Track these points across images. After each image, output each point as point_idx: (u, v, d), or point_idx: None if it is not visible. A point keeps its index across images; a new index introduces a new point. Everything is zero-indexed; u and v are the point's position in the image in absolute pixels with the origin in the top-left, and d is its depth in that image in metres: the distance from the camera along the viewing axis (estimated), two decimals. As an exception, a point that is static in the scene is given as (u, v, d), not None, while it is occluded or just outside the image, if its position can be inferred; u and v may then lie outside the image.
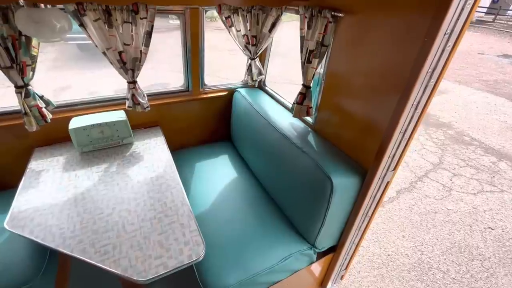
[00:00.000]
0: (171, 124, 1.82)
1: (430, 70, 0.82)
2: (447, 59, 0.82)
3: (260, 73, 1.79)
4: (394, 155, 1.03)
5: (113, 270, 0.89)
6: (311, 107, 1.37)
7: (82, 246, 0.96)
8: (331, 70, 1.27)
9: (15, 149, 1.45)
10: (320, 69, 1.33)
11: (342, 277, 1.64)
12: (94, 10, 1.11)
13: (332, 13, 1.11)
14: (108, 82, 4.75)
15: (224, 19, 1.47)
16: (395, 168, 1.08)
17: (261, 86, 1.99)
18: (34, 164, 1.34)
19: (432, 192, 2.68)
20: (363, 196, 1.13)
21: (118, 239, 0.99)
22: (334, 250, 1.41)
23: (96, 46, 1.22)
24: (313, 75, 1.29)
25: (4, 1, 0.99)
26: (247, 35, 1.58)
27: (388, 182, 1.13)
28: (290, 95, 1.65)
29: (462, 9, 0.73)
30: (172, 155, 1.47)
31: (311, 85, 1.33)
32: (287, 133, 1.39)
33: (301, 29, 1.27)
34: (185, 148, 1.95)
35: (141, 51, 1.31)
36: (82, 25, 1.13)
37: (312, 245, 1.32)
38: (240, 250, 1.24)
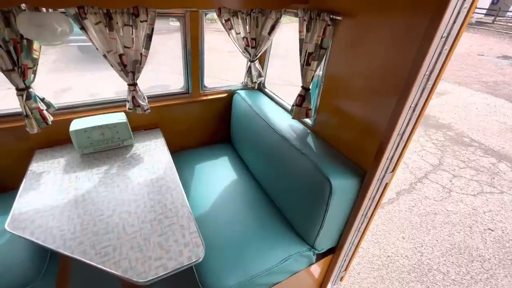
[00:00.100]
0: (171, 126, 1.83)
1: (427, 72, 0.83)
2: (444, 62, 0.83)
3: (259, 75, 1.80)
4: (393, 156, 1.03)
5: (113, 272, 0.89)
6: (310, 109, 1.38)
7: (82, 248, 0.96)
8: (330, 73, 1.28)
9: (16, 151, 1.46)
10: (319, 72, 1.34)
11: (341, 279, 1.64)
12: (95, 13, 1.12)
13: (331, 16, 1.12)
14: (109, 84, 4.76)
15: (223, 21, 1.49)
16: (393, 170, 1.09)
17: (261, 88, 2.00)
18: (35, 166, 1.35)
19: (432, 193, 2.68)
20: (362, 198, 1.14)
21: (118, 241, 1.00)
22: (334, 251, 1.42)
23: (97, 49, 1.23)
24: (312, 77, 1.30)
25: (6, 5, 1.00)
26: (246, 38, 1.59)
27: (387, 184, 1.13)
28: (289, 97, 1.66)
29: (459, 12, 0.74)
30: (172, 157, 1.48)
31: (310, 87, 1.34)
32: (287, 135, 1.39)
33: (300, 31, 1.28)
34: (185, 150, 1.96)
35: (141, 53, 1.32)
36: (83, 28, 1.14)
37: (311, 246, 1.32)
38: (240, 251, 1.25)
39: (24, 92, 1.21)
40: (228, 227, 1.37)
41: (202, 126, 2.00)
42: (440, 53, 0.80)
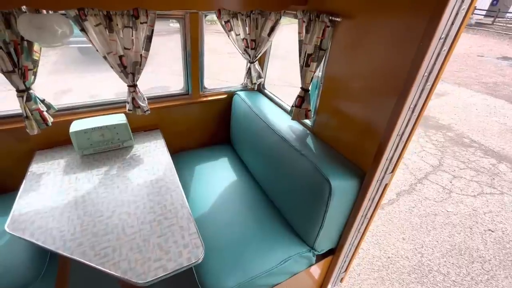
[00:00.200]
0: (171, 127, 1.84)
1: (426, 73, 0.83)
2: (443, 63, 0.83)
3: (259, 76, 1.81)
4: (392, 157, 1.03)
5: (112, 273, 0.89)
6: (310, 110, 1.38)
7: (82, 249, 0.96)
8: (329, 74, 1.28)
9: (17, 152, 1.46)
10: (319, 73, 1.34)
11: (341, 280, 1.64)
12: (95, 15, 1.13)
13: (330, 17, 1.12)
14: (109, 85, 4.77)
15: (223, 23, 1.49)
16: (393, 171, 1.09)
17: (261, 89, 2.00)
18: (35, 167, 1.35)
19: (432, 194, 2.68)
20: (361, 199, 1.14)
21: (118, 242, 1.00)
22: (333, 252, 1.41)
23: (97, 50, 1.24)
24: (312, 78, 1.30)
25: (7, 7, 1.01)
26: (246, 39, 1.60)
27: (386, 185, 1.13)
28: (289, 98, 1.66)
29: (457, 13, 0.75)
30: (172, 158, 1.48)
31: (309, 88, 1.34)
32: (286, 136, 1.40)
33: (299, 33, 1.29)
34: (185, 151, 1.96)
35: (141, 55, 1.32)
36: (83, 30, 1.14)
37: (311, 247, 1.32)
38: (239, 252, 1.25)
39: (24, 93, 1.21)
40: (228, 228, 1.37)
41: (202, 127, 2.00)
42: (439, 54, 0.80)
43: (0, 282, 1.07)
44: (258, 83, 1.85)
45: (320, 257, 1.39)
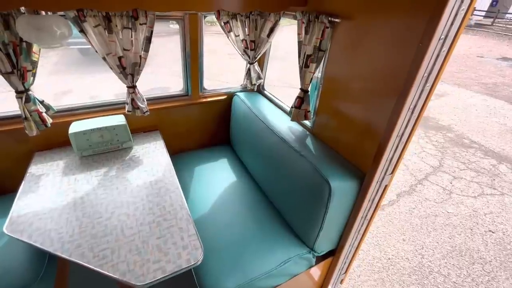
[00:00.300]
0: (170, 128, 1.83)
1: (425, 74, 0.83)
2: (443, 63, 0.83)
3: (259, 77, 1.81)
4: (392, 158, 1.03)
5: (111, 275, 0.89)
6: (309, 111, 1.38)
7: (80, 251, 0.96)
8: (329, 75, 1.28)
9: (15, 153, 1.46)
10: (318, 74, 1.34)
11: (342, 281, 1.63)
12: (94, 16, 1.13)
13: (329, 18, 1.12)
14: (109, 86, 4.77)
15: (223, 24, 1.49)
16: (393, 172, 1.09)
17: (260, 90, 2.00)
18: (34, 169, 1.35)
19: (432, 195, 2.67)
20: (361, 200, 1.13)
21: (117, 243, 0.99)
22: (333, 253, 1.41)
23: (96, 51, 1.24)
24: (311, 79, 1.30)
25: (6, 8, 1.01)
26: (245, 40, 1.60)
27: (386, 186, 1.13)
28: (289, 99, 1.66)
29: (456, 14, 0.74)
30: (171, 159, 1.47)
31: (309, 89, 1.34)
32: (286, 137, 1.39)
33: (298, 34, 1.28)
34: (184, 152, 1.96)
35: (140, 56, 1.32)
36: (82, 31, 1.14)
37: (311, 249, 1.32)
38: (239, 254, 1.24)
39: (23, 94, 1.21)
40: (227, 229, 1.36)
41: (201, 128, 2.00)
42: (438, 55, 0.80)
43: None
44: (257, 84, 1.85)
45: (320, 259, 1.39)
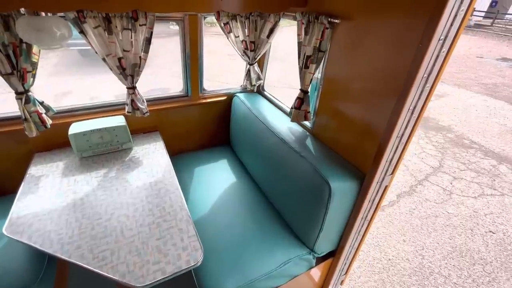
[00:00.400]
0: (170, 129, 1.83)
1: (425, 75, 0.83)
2: (442, 64, 0.83)
3: (258, 78, 1.81)
4: (392, 159, 1.03)
5: (111, 276, 0.89)
6: (309, 111, 1.38)
7: (80, 252, 0.96)
8: (329, 75, 1.28)
9: (15, 154, 1.46)
10: (318, 74, 1.34)
11: (342, 282, 1.62)
12: (94, 17, 1.13)
13: (329, 19, 1.12)
14: (109, 87, 4.78)
15: (222, 25, 1.49)
16: (393, 172, 1.09)
17: (260, 91, 2.00)
18: (33, 170, 1.35)
19: (433, 195, 2.67)
20: (361, 200, 1.13)
21: (116, 245, 0.99)
22: (334, 254, 1.41)
23: (96, 52, 1.24)
24: (311, 80, 1.30)
25: (5, 9, 1.01)
26: (245, 41, 1.60)
27: (386, 186, 1.13)
28: (288, 100, 1.66)
29: (456, 14, 0.74)
30: (171, 160, 1.47)
31: (309, 90, 1.34)
32: (286, 138, 1.39)
33: (298, 35, 1.29)
34: (184, 153, 1.95)
35: (140, 57, 1.32)
36: (82, 32, 1.14)
37: (311, 249, 1.31)
38: (239, 255, 1.24)
39: (23, 95, 1.21)
40: (227, 230, 1.36)
41: (201, 129, 2.00)
42: (438, 55, 0.80)
43: None
44: (257, 85, 1.85)
45: (320, 260, 1.38)
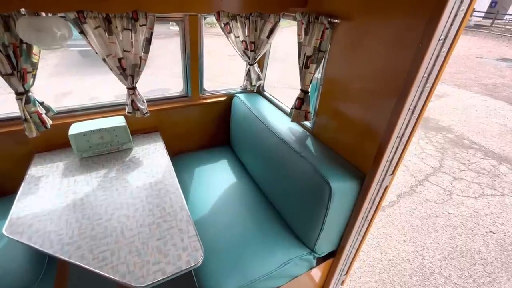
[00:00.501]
0: (170, 130, 1.83)
1: (425, 75, 0.83)
2: (442, 64, 0.83)
3: (259, 78, 1.81)
4: (392, 159, 1.03)
5: (111, 276, 0.89)
6: (309, 112, 1.38)
7: (80, 252, 0.95)
8: (329, 75, 1.28)
9: (15, 155, 1.46)
10: (318, 74, 1.34)
11: (342, 283, 1.62)
12: (94, 18, 1.13)
13: (329, 19, 1.12)
14: (109, 87, 4.78)
15: (222, 25, 1.49)
16: (393, 172, 1.08)
17: (260, 91, 2.00)
18: (33, 170, 1.34)
19: (433, 196, 2.67)
20: (362, 201, 1.13)
21: (117, 245, 0.99)
22: (334, 255, 1.40)
23: (96, 52, 1.24)
24: (311, 80, 1.30)
25: (6, 9, 1.01)
26: (245, 41, 1.60)
27: (387, 186, 1.13)
28: (289, 100, 1.66)
29: (456, 14, 0.74)
30: (171, 160, 1.47)
31: (309, 90, 1.34)
32: (286, 138, 1.39)
33: (298, 35, 1.29)
34: (184, 153, 1.95)
35: (140, 57, 1.32)
36: (82, 32, 1.14)
37: (311, 250, 1.31)
38: (239, 255, 1.24)
39: (23, 96, 1.21)
40: (227, 230, 1.36)
41: (201, 129, 2.00)
42: (438, 55, 0.80)
43: None
44: (257, 85, 1.85)
45: (320, 260, 1.38)
